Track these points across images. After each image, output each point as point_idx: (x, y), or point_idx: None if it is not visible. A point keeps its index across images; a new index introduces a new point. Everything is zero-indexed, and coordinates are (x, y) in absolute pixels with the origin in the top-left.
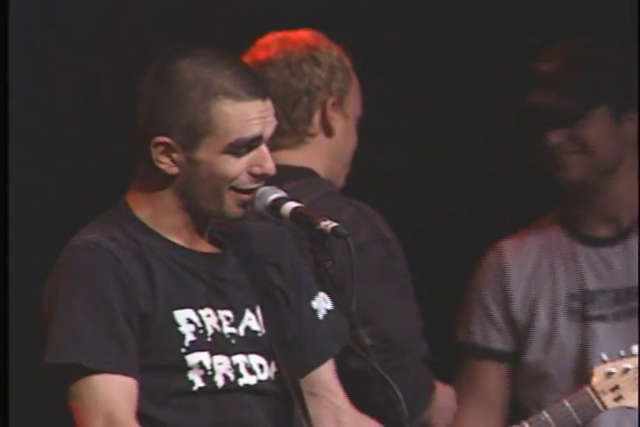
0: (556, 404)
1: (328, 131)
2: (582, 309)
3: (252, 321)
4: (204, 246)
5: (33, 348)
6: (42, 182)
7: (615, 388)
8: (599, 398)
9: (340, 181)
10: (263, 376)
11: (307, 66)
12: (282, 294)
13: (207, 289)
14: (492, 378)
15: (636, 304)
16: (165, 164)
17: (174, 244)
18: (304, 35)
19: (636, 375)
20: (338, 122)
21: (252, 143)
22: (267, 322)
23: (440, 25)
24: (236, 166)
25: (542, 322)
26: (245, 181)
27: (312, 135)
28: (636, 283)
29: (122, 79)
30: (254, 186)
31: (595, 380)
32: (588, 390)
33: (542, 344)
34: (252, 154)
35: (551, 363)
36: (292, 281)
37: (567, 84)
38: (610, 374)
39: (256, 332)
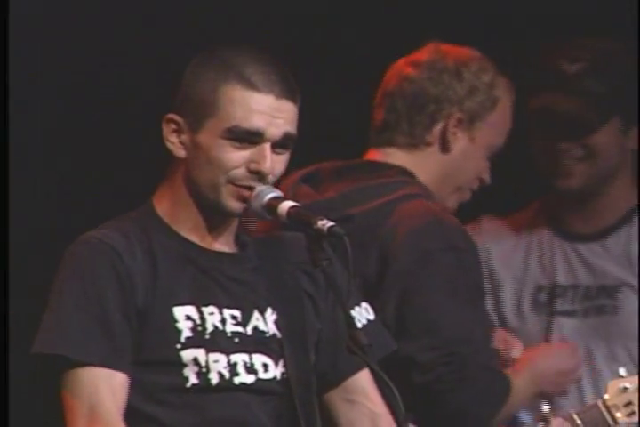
0: (564, 416)
1: (445, 145)
2: (549, 302)
3: (260, 322)
4: (220, 245)
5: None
6: (42, 182)
7: (629, 403)
8: (610, 413)
9: (449, 203)
10: (267, 375)
11: (447, 76)
12: (310, 300)
13: (216, 287)
14: None
15: (606, 302)
16: (174, 144)
17: (188, 241)
18: (464, 51)
19: None
20: (459, 140)
21: (251, 137)
22: (284, 324)
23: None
24: (232, 156)
25: (507, 310)
26: (243, 177)
27: (428, 144)
28: (611, 282)
29: (122, 79)
30: (252, 183)
31: (607, 394)
32: (599, 403)
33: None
34: (254, 150)
35: None
36: (324, 290)
37: (592, 90)
38: (624, 389)
39: (264, 332)
